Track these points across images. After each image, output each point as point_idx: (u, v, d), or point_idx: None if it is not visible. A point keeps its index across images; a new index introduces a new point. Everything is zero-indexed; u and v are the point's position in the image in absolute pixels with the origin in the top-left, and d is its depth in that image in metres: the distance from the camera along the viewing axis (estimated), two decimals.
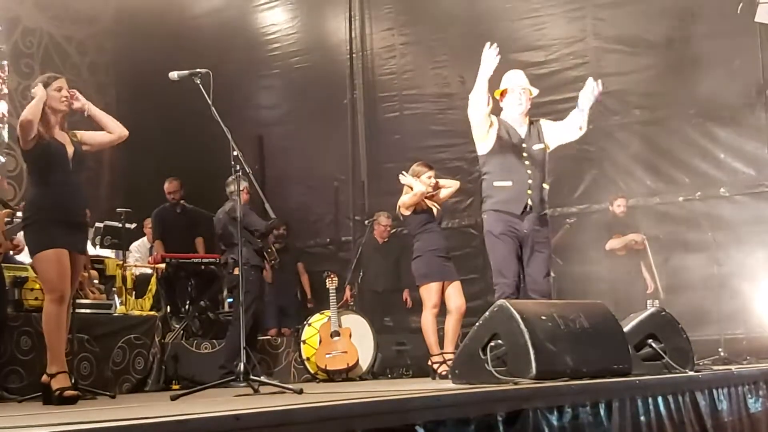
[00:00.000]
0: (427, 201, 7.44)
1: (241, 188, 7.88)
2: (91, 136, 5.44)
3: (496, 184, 5.81)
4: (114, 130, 5.48)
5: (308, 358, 8.39)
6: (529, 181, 5.82)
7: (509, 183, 5.79)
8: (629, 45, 9.89)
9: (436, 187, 7.46)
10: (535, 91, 6.08)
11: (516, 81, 6.05)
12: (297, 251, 10.77)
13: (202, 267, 9.05)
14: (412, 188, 7.35)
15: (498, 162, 5.84)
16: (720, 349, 8.36)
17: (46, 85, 5.21)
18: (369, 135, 11.45)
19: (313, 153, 11.62)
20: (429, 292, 7.31)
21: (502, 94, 6.07)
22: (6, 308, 6.37)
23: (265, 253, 8.21)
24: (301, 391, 4.74)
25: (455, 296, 7.32)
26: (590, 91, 5.83)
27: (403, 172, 7.44)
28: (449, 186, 7.60)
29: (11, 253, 6.46)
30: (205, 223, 9.17)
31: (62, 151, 5.19)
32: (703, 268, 9.12)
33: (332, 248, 11.59)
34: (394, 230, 10.05)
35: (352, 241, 11.17)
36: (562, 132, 6.01)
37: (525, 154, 5.86)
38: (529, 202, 5.81)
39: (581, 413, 3.92)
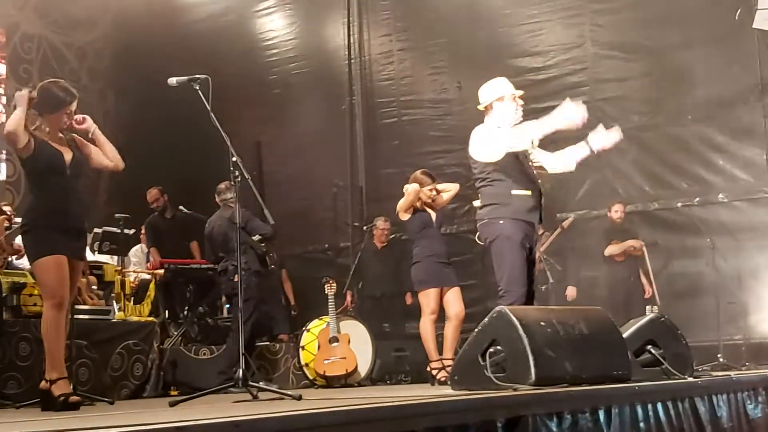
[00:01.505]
0: (426, 207, 7.46)
1: (230, 197, 7.98)
2: (96, 153, 5.40)
3: (514, 192, 5.67)
4: (113, 160, 5.45)
5: (307, 364, 8.38)
6: (542, 190, 5.78)
7: (529, 192, 5.69)
8: (627, 51, 9.90)
9: (437, 194, 7.46)
10: (519, 93, 5.95)
11: (509, 89, 5.90)
12: (281, 258, 10.71)
13: (200, 273, 9.03)
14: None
15: (513, 169, 5.70)
16: (719, 355, 8.37)
17: (59, 105, 5.18)
18: (367, 141, 11.46)
19: (311, 159, 11.62)
20: (427, 298, 7.30)
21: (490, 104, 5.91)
22: (1, 314, 6.36)
23: (267, 258, 8.21)
24: (300, 397, 4.74)
25: (454, 302, 7.32)
26: (603, 136, 5.73)
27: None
28: (449, 189, 7.59)
29: (13, 258, 6.44)
30: (200, 227, 9.17)
31: (59, 157, 5.18)
32: (701, 274, 9.13)
33: (331, 254, 11.59)
34: (393, 235, 10.01)
35: (350, 246, 11.16)
36: (552, 160, 5.88)
37: (531, 163, 5.82)
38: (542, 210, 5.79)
39: (581, 419, 3.92)
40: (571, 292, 9.35)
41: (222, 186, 8.11)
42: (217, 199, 8.19)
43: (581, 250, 9.71)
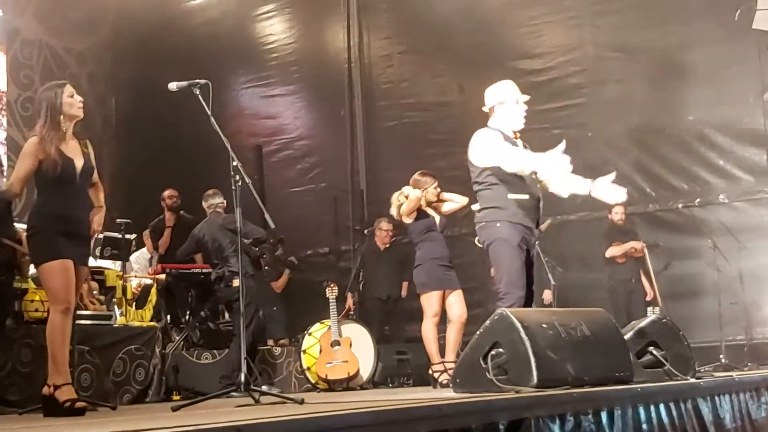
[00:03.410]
0: (428, 209, 7.46)
1: (218, 202, 7.98)
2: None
3: (511, 196, 5.63)
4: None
5: (309, 368, 8.38)
6: (539, 195, 5.77)
7: (526, 196, 5.65)
8: (627, 52, 9.90)
9: (439, 198, 7.47)
10: (525, 98, 5.92)
11: (512, 93, 5.85)
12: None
13: (202, 277, 9.03)
14: (407, 197, 7.40)
15: (510, 173, 5.64)
16: (721, 356, 8.37)
17: (56, 96, 5.13)
18: (368, 144, 11.46)
19: (311, 162, 11.63)
20: (429, 301, 7.30)
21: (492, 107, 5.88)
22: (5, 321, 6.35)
23: (260, 261, 8.20)
24: (302, 401, 4.73)
25: (456, 305, 7.32)
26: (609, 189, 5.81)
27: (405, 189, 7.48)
28: (456, 201, 7.56)
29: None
30: None
31: (71, 166, 5.14)
32: (703, 275, 9.14)
33: (332, 258, 11.59)
34: (395, 238, 9.94)
35: (351, 250, 11.16)
36: (554, 181, 5.77)
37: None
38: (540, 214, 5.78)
39: (583, 421, 3.92)
40: (546, 295, 9.31)
41: (209, 192, 8.13)
42: (204, 205, 8.18)
43: (582, 252, 9.71)
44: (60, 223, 5.09)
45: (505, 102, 5.80)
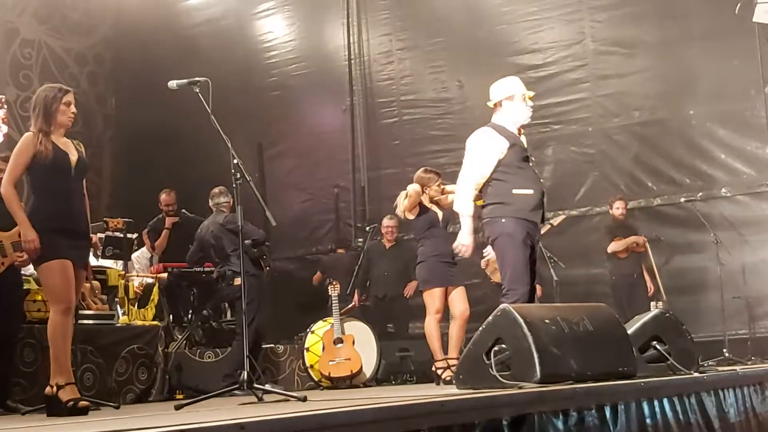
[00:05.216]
0: (433, 206, 7.45)
1: (224, 201, 7.97)
2: None
3: (516, 191, 5.63)
4: None
5: (312, 366, 8.37)
6: (543, 189, 5.77)
7: (530, 191, 5.65)
8: (627, 47, 9.89)
9: (443, 192, 7.46)
10: (531, 94, 5.94)
11: (520, 88, 5.86)
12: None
13: (204, 276, 9.02)
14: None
15: (514, 169, 5.68)
16: (724, 350, 8.36)
17: (55, 99, 5.18)
18: (368, 141, 11.45)
19: (312, 160, 11.62)
20: (432, 298, 7.30)
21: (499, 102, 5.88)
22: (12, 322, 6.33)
23: (261, 260, 8.20)
24: (305, 399, 4.73)
25: (459, 301, 7.31)
26: None
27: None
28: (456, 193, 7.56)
29: (16, 263, 6.37)
30: None
31: (65, 159, 5.17)
32: (705, 269, 9.13)
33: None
34: (402, 234, 9.90)
35: (353, 247, 11.15)
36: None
37: (531, 164, 5.81)
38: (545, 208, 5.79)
39: (587, 417, 3.91)
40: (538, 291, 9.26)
41: (215, 190, 8.12)
42: (210, 204, 8.18)
43: (584, 248, 9.70)
44: (58, 221, 5.09)
45: (514, 97, 5.80)
